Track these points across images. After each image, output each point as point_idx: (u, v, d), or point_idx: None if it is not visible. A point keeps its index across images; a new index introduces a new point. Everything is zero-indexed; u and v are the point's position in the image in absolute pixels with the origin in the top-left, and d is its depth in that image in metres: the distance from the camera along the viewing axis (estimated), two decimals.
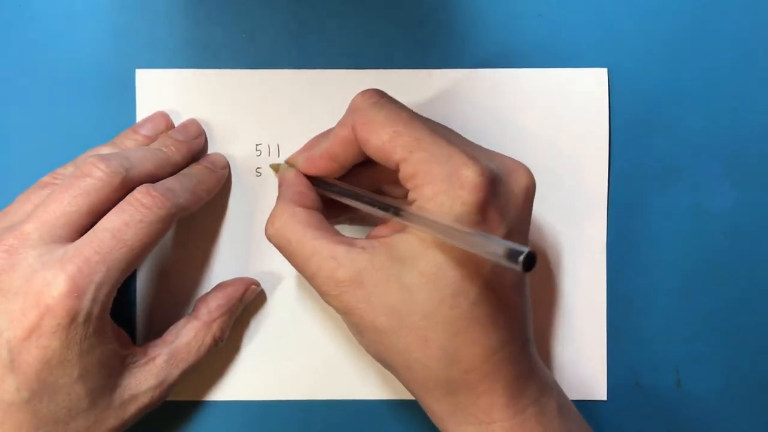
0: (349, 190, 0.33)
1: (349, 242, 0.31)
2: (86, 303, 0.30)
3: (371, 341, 0.32)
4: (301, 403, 0.38)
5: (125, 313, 0.38)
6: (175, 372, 0.34)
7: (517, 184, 0.31)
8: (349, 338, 0.38)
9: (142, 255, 0.32)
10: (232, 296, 0.36)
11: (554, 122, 0.38)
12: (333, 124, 0.37)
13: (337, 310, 0.32)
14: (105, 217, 0.31)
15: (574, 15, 0.38)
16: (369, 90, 0.32)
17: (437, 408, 0.32)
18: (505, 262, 0.25)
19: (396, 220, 0.31)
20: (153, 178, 0.33)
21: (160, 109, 0.38)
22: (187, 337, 0.35)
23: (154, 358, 0.34)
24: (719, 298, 0.39)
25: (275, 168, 0.38)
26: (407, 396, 0.38)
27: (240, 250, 0.38)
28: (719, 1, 0.39)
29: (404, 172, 0.31)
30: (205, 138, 0.38)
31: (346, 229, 0.38)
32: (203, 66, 0.38)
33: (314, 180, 0.35)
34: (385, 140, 0.31)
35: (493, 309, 0.30)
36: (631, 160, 0.39)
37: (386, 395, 0.38)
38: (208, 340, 0.35)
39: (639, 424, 0.39)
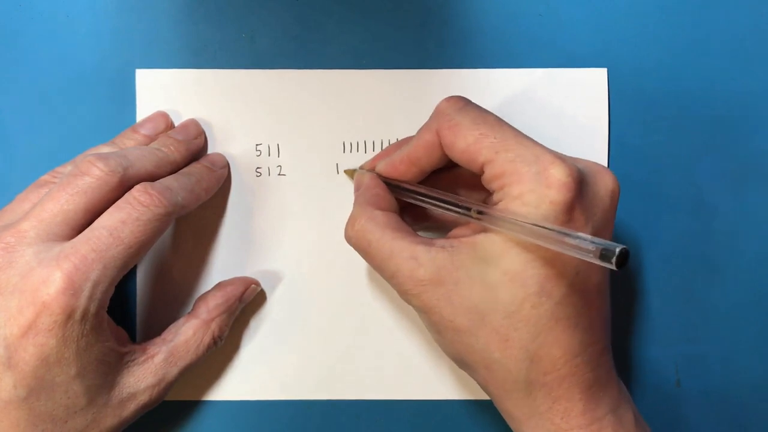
0: (428, 194, 0.33)
1: (429, 242, 0.32)
2: (83, 300, 0.30)
3: (449, 341, 0.32)
4: (301, 403, 0.38)
5: (125, 312, 0.38)
6: (174, 370, 0.34)
7: (603, 186, 0.31)
8: (348, 338, 0.38)
9: (140, 253, 0.32)
10: (232, 295, 0.36)
11: (554, 122, 0.38)
12: (333, 124, 0.37)
13: (416, 308, 0.32)
14: (102, 215, 0.31)
15: (574, 15, 0.38)
16: (454, 96, 0.33)
17: (514, 410, 0.32)
18: (597, 261, 0.25)
19: (476, 221, 0.30)
20: (152, 177, 0.34)
21: (160, 109, 0.38)
22: (186, 336, 0.35)
23: (152, 356, 0.34)
24: (719, 298, 0.39)
25: (350, 173, 0.38)
26: (406, 396, 0.38)
27: (240, 250, 0.38)
28: (719, 1, 0.38)
29: (489, 173, 0.31)
30: (205, 138, 0.38)
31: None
32: (203, 66, 0.38)
33: (391, 185, 0.35)
34: (470, 142, 0.31)
35: (576, 310, 0.30)
36: (631, 160, 0.38)
37: (385, 395, 0.38)
38: (207, 338, 0.35)
39: None
